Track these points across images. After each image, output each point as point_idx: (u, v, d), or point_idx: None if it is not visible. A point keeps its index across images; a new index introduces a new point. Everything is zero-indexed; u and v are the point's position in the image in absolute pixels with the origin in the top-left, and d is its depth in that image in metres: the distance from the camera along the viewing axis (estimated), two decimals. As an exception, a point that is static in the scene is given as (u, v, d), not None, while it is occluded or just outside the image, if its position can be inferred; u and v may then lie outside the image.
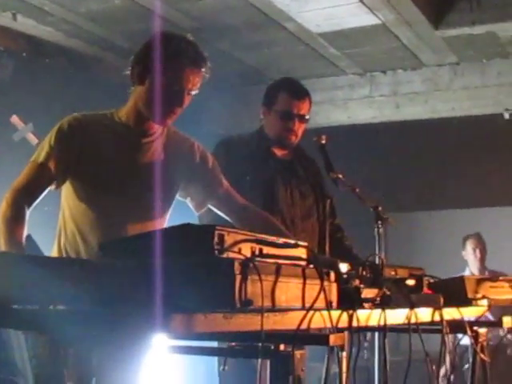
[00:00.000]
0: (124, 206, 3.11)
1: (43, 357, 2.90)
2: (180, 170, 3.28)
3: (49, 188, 3.10)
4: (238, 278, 1.73)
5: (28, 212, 3.02)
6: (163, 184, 3.19)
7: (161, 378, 6.10)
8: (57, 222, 3.22)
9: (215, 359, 3.89)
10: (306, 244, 2.21)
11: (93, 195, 3.11)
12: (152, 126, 3.17)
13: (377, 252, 3.67)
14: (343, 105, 7.83)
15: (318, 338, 2.05)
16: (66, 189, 3.14)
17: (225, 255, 1.86)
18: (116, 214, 3.10)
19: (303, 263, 2.10)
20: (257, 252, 1.98)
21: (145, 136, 3.18)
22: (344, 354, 2.47)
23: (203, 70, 3.08)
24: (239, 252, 1.89)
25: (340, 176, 3.69)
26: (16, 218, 2.98)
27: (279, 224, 3.54)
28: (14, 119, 5.93)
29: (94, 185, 3.10)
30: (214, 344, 2.72)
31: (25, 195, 3.04)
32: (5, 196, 3.03)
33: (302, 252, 2.17)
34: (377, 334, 3.78)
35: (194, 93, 3.10)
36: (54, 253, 3.17)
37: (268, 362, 2.05)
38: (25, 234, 2.99)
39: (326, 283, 2.07)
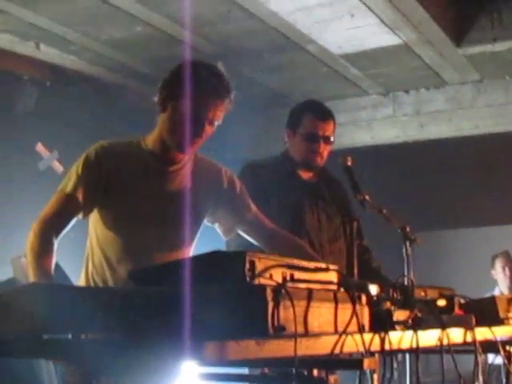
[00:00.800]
0: (151, 234, 3.10)
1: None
2: (208, 196, 3.27)
3: (76, 218, 3.11)
4: (271, 304, 1.72)
5: (56, 242, 3.02)
6: (191, 212, 3.18)
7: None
8: (83, 249, 3.22)
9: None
10: (336, 267, 2.19)
11: (120, 224, 3.11)
12: (178, 153, 3.15)
13: (405, 273, 3.65)
14: (367, 125, 7.82)
15: (352, 362, 2.03)
16: (94, 217, 3.14)
17: (256, 281, 1.85)
18: (143, 242, 3.09)
19: (334, 287, 2.09)
20: (288, 277, 1.97)
21: (171, 164, 3.17)
22: (375, 376, 2.45)
23: (226, 100, 3.05)
24: (271, 278, 1.88)
25: (367, 197, 3.68)
26: (45, 250, 2.98)
27: (308, 247, 3.52)
28: (39, 147, 5.98)
29: (122, 214, 3.10)
30: (245, 370, 2.71)
31: (52, 226, 3.04)
32: (32, 227, 3.02)
33: (333, 276, 2.16)
34: (407, 355, 3.74)
35: (216, 124, 3.08)
36: (81, 281, 3.17)
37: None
38: (53, 264, 2.99)
39: (357, 307, 2.06)
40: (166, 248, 3.13)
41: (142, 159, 3.15)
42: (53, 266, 2.98)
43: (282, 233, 3.43)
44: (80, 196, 3.05)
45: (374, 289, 2.52)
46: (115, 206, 3.10)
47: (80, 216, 3.10)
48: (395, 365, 2.48)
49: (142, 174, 3.13)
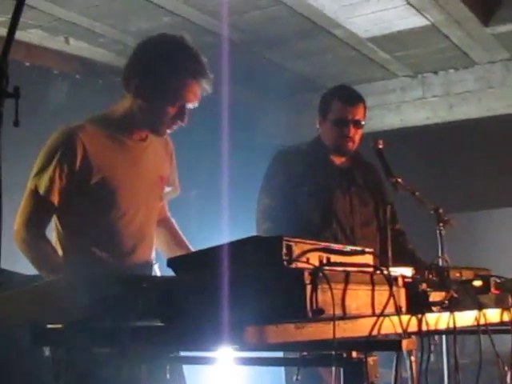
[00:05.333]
0: (137, 211, 3.10)
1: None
2: (167, 167, 3.32)
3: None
4: (309, 287, 1.74)
5: (46, 231, 3.00)
6: (164, 185, 3.27)
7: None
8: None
9: (281, 370, 3.90)
10: (372, 250, 2.21)
11: (104, 205, 3.02)
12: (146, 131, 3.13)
13: (440, 254, 3.66)
14: (396, 108, 7.79)
15: (391, 343, 2.05)
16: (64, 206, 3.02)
17: (293, 265, 1.87)
18: (130, 219, 3.08)
19: (370, 269, 2.10)
20: (324, 261, 1.99)
21: (142, 140, 3.14)
22: (413, 358, 2.46)
23: (206, 81, 3.00)
24: (307, 261, 1.90)
25: (399, 180, 3.69)
26: (40, 242, 2.95)
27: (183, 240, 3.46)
28: (71, 140, 6.02)
29: (105, 195, 3.01)
30: (280, 354, 2.73)
31: (36, 224, 2.97)
32: (15, 231, 2.95)
33: (368, 258, 2.17)
34: (444, 337, 3.75)
35: (195, 105, 3.04)
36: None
37: (333, 370, 2.06)
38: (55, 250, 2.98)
39: (394, 288, 2.07)
40: (149, 222, 3.16)
41: (113, 137, 3.06)
42: (55, 250, 2.97)
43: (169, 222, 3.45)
44: (55, 199, 2.95)
45: (408, 271, 2.54)
46: (95, 188, 2.98)
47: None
48: (432, 346, 2.49)
49: (116, 152, 3.05)
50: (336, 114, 3.99)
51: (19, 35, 5.66)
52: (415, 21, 6.13)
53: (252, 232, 3.77)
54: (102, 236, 3.03)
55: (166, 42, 3.08)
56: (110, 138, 3.05)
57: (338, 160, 4.06)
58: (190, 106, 3.02)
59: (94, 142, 2.98)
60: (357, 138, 4.01)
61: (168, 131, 3.09)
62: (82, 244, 3.03)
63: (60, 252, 3.03)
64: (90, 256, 3.00)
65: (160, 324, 1.91)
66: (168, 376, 2.46)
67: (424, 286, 2.43)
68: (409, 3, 5.74)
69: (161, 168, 3.24)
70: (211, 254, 2.00)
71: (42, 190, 2.93)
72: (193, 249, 3.24)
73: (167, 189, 3.35)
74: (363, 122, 4.02)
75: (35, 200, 2.96)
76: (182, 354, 2.41)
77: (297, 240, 1.92)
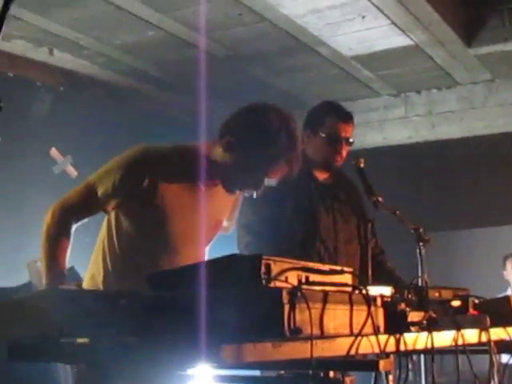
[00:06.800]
0: (187, 251, 3.12)
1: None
2: (226, 212, 3.39)
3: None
4: (287, 306, 1.74)
5: (74, 227, 3.04)
6: (218, 226, 3.32)
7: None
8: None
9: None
10: (351, 270, 2.21)
11: (157, 236, 3.07)
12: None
13: (420, 274, 3.66)
14: (379, 126, 7.82)
15: (368, 363, 2.05)
16: (120, 220, 3.08)
17: (272, 284, 1.87)
18: (177, 258, 3.08)
19: (349, 289, 2.10)
20: (303, 280, 1.99)
21: (213, 186, 3.17)
22: (391, 377, 2.46)
23: (291, 166, 3.08)
24: (286, 280, 1.90)
25: (380, 199, 3.69)
26: (61, 234, 3.00)
27: None
28: (53, 152, 6.01)
29: (161, 226, 3.05)
30: (257, 373, 2.72)
31: (73, 215, 3.05)
32: (51, 209, 3.03)
33: (347, 278, 2.17)
34: (422, 356, 3.75)
35: (273, 183, 3.10)
36: (94, 280, 3.12)
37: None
38: (68, 250, 3.00)
39: (372, 308, 2.07)
40: (191, 258, 3.11)
41: (187, 175, 3.12)
42: (67, 252, 2.99)
43: None
44: (111, 199, 3.02)
45: (387, 290, 2.54)
46: (150, 213, 3.05)
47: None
48: (410, 365, 2.49)
49: (184, 190, 3.11)
50: (330, 129, 3.97)
51: (3, 45, 5.67)
52: (399, 40, 6.17)
53: (232, 249, 3.76)
54: (144, 259, 3.05)
55: (276, 121, 3.08)
56: (183, 173, 3.10)
57: (321, 176, 4.05)
58: (268, 181, 3.06)
59: (166, 172, 3.05)
60: (345, 154, 4.01)
61: (238, 192, 3.18)
62: (123, 260, 3.08)
63: (100, 259, 3.10)
64: (126, 272, 3.04)
65: (137, 341, 1.90)
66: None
67: (403, 305, 2.43)
68: (393, 23, 5.78)
69: (220, 213, 3.31)
70: (190, 271, 2.00)
71: (99, 191, 3.01)
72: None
73: (225, 223, 3.42)
74: (352, 140, 4.03)
75: (88, 194, 3.04)
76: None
77: (276, 259, 1.92)
